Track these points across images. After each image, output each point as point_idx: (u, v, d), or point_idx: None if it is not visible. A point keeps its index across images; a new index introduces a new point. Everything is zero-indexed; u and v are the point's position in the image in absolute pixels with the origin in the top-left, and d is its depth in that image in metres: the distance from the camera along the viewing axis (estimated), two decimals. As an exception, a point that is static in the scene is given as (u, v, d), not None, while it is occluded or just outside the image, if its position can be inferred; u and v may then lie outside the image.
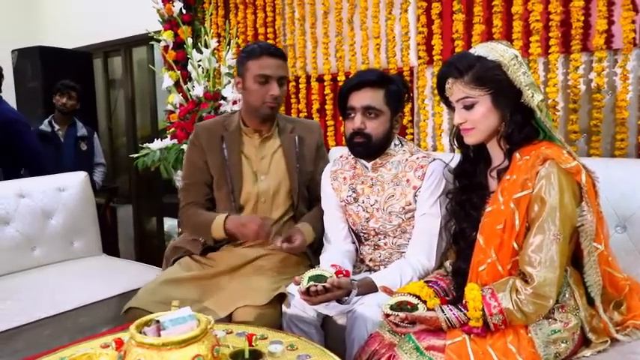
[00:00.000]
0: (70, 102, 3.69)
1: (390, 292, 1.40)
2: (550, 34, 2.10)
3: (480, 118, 1.32)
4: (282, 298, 1.71)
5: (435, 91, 2.43)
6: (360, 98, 1.67)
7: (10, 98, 4.33)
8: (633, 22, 1.93)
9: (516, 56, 1.30)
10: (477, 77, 1.30)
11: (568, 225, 1.24)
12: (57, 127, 3.71)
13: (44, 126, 3.72)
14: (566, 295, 1.29)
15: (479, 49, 1.35)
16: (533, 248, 1.22)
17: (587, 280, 1.28)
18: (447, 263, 1.53)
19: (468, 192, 1.44)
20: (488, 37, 2.27)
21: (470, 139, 1.37)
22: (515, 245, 1.27)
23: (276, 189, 1.94)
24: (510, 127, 1.31)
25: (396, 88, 1.71)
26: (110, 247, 3.23)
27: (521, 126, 1.31)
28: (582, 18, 2.03)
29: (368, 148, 1.69)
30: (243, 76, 1.90)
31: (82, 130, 3.78)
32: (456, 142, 1.47)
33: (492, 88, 1.30)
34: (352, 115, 1.69)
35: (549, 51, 2.11)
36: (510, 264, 1.28)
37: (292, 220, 1.98)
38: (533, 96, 1.28)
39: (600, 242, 1.29)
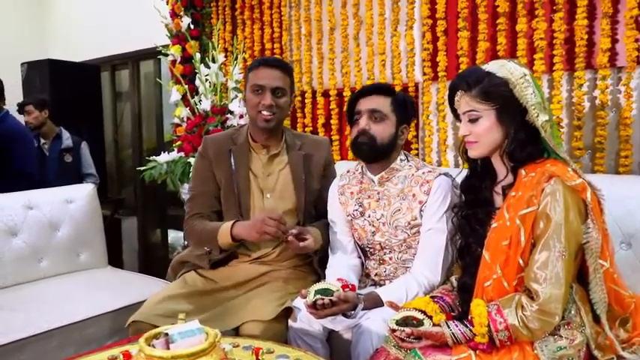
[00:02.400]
0: (31, 117, 3.62)
1: (395, 307, 1.41)
2: (554, 52, 2.13)
3: (484, 132, 1.34)
4: (288, 312, 1.71)
5: (440, 107, 2.48)
6: (367, 102, 1.73)
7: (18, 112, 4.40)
8: (637, 40, 1.96)
9: (525, 75, 1.32)
10: (483, 92, 1.32)
11: (573, 242, 1.24)
12: (43, 141, 3.71)
13: None
14: (572, 312, 1.29)
15: (490, 66, 1.37)
16: (539, 265, 1.23)
17: (593, 297, 1.29)
18: (453, 278, 1.53)
19: (473, 207, 1.45)
20: (492, 54, 2.30)
21: (473, 152, 1.40)
22: (521, 261, 1.28)
23: (283, 207, 1.90)
24: (513, 144, 1.33)
25: (402, 99, 1.76)
26: (114, 258, 3.24)
27: (523, 144, 1.32)
28: (586, 36, 2.06)
29: (372, 149, 1.70)
30: (245, 88, 1.93)
31: (66, 142, 3.73)
32: (463, 156, 1.49)
33: (498, 103, 1.32)
34: (358, 118, 1.74)
35: (553, 68, 2.13)
36: (516, 280, 1.29)
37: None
38: (538, 116, 1.30)
39: (606, 259, 1.30)
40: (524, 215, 1.27)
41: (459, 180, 1.70)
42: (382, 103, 1.72)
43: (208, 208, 1.96)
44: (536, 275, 1.23)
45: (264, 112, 1.84)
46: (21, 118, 3.73)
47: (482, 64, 1.42)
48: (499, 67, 1.34)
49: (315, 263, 1.94)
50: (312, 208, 1.98)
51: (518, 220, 1.27)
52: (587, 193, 1.25)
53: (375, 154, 1.73)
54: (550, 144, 1.32)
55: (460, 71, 1.47)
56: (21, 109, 3.66)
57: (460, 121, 1.41)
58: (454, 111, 1.43)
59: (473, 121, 1.35)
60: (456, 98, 1.39)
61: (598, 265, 1.27)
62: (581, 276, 1.33)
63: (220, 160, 1.94)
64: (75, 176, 3.61)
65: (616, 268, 1.34)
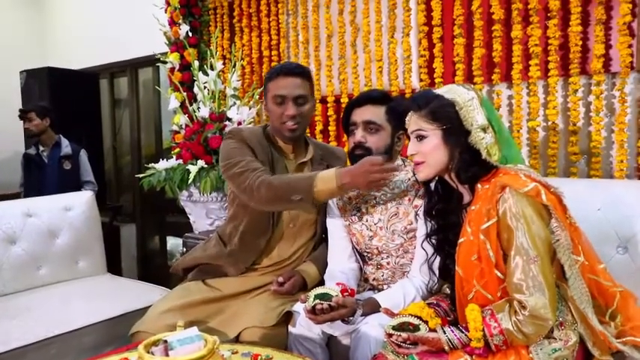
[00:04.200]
0: (32, 124, 3.61)
1: (391, 314, 1.42)
2: (549, 58, 2.14)
3: (430, 151, 1.37)
4: (288, 317, 1.72)
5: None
6: (362, 113, 1.74)
7: (18, 119, 4.40)
8: (630, 46, 1.98)
9: (473, 98, 1.35)
10: (431, 112, 1.37)
11: (543, 245, 1.25)
12: (42, 148, 3.70)
13: (31, 149, 3.73)
14: (564, 311, 1.30)
15: (441, 89, 1.43)
16: (518, 275, 1.24)
17: (574, 294, 1.29)
18: (446, 287, 1.54)
19: (443, 231, 1.47)
20: (488, 60, 2.33)
21: (420, 175, 1.42)
22: (499, 274, 1.29)
23: (305, 217, 1.90)
24: (457, 164, 1.36)
25: (397, 106, 1.74)
26: (113, 265, 3.24)
27: (467, 165, 1.35)
28: (580, 42, 2.08)
29: None
30: (265, 98, 1.88)
31: (66, 149, 3.71)
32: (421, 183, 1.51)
33: (444, 124, 1.35)
34: (354, 130, 1.75)
35: (549, 74, 2.15)
36: (500, 292, 1.30)
37: (313, 248, 1.97)
38: (483, 138, 1.32)
39: (579, 254, 1.31)
40: (487, 229, 1.28)
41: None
42: (376, 113, 1.72)
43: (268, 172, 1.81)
44: (517, 286, 1.24)
45: (289, 123, 1.81)
46: (21, 125, 3.75)
47: (436, 89, 1.47)
48: (448, 91, 1.40)
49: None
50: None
51: (482, 235, 1.29)
52: (542, 195, 1.26)
53: None
54: (494, 164, 1.33)
55: (413, 94, 1.51)
56: (23, 115, 3.67)
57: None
58: (406, 131, 1.46)
59: (420, 141, 1.39)
60: (407, 119, 1.43)
61: (572, 260, 1.28)
62: (565, 274, 1.34)
63: (259, 151, 1.86)
64: (74, 184, 3.61)
65: (596, 259, 1.35)
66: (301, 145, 1.95)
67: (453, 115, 1.35)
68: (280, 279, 1.81)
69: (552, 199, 1.28)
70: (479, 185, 1.35)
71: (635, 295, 1.38)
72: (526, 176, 1.30)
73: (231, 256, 1.90)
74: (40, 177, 3.64)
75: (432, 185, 1.50)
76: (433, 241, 1.50)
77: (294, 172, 1.90)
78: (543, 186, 1.29)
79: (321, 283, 1.87)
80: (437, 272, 1.53)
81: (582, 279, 1.29)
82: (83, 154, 3.81)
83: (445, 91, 1.40)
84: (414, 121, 1.40)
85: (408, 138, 1.45)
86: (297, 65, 1.88)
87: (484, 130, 1.33)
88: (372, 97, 1.75)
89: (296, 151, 1.93)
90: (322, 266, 1.90)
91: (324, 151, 2.03)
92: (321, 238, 2.00)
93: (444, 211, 1.47)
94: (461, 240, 1.36)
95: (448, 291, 1.51)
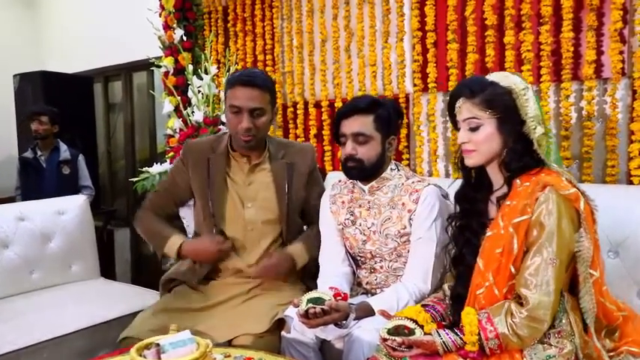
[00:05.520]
0: (42, 127, 3.62)
1: (387, 316, 1.42)
2: (541, 64, 2.16)
3: (483, 140, 1.35)
4: (280, 323, 1.72)
5: (431, 118, 2.50)
6: (350, 125, 1.72)
7: (11, 122, 4.39)
8: (621, 52, 1.99)
9: (527, 87, 1.34)
10: (486, 100, 1.34)
11: (565, 250, 1.25)
12: (39, 152, 3.69)
13: (27, 153, 3.72)
14: (563, 321, 1.30)
15: (493, 76, 1.39)
16: (530, 271, 1.25)
17: (583, 307, 1.29)
18: (446, 287, 1.54)
19: (468, 217, 1.45)
20: (481, 65, 2.34)
21: (470, 161, 1.40)
22: (513, 269, 1.29)
23: (265, 217, 1.90)
24: (510, 154, 1.35)
25: (385, 113, 1.74)
26: (107, 270, 3.23)
27: (520, 155, 1.34)
28: (572, 48, 2.10)
29: (361, 172, 1.74)
30: (225, 103, 1.87)
31: (64, 154, 3.73)
32: (458, 165, 1.49)
33: (500, 112, 1.33)
34: (344, 141, 1.75)
35: (541, 80, 2.17)
36: (507, 287, 1.30)
37: (281, 248, 1.95)
38: (535, 128, 1.32)
39: (595, 269, 1.30)
40: (517, 223, 1.28)
41: (447, 190, 1.71)
42: (365, 123, 1.71)
43: (163, 209, 2.01)
44: (527, 281, 1.24)
45: (243, 135, 1.80)
46: (14, 128, 3.73)
47: (486, 75, 1.43)
48: (503, 77, 1.36)
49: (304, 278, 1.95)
50: (297, 217, 1.97)
51: (511, 228, 1.28)
52: (581, 202, 1.27)
53: (365, 175, 1.75)
54: (542, 157, 1.33)
55: (463, 80, 1.47)
56: (34, 115, 3.64)
57: (458, 129, 1.42)
58: (453, 118, 1.43)
59: (473, 129, 1.36)
60: (457, 105, 1.39)
61: (588, 274, 1.28)
62: (572, 286, 1.34)
63: (198, 167, 1.92)
64: (72, 188, 3.60)
65: (604, 280, 1.35)
66: (258, 149, 1.93)
67: (509, 104, 1.32)
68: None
69: (587, 209, 1.28)
70: (518, 181, 1.33)
71: (638, 315, 1.39)
72: (567, 180, 1.30)
73: (189, 268, 1.93)
74: (38, 181, 3.63)
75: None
76: (454, 226, 1.49)
77: (247, 174, 1.91)
78: (582, 194, 1.29)
79: (311, 263, 1.89)
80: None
81: (593, 294, 1.29)
82: (81, 159, 3.83)
83: (500, 78, 1.36)
84: (466, 109, 1.36)
85: (455, 126, 1.42)
86: (257, 75, 1.83)
87: (537, 121, 1.33)
88: (359, 108, 1.72)
89: (249, 155, 1.92)
90: (309, 244, 1.91)
91: (289, 149, 2.00)
92: (296, 232, 1.98)
93: (473, 199, 1.46)
94: (490, 233, 1.35)
95: (447, 291, 1.51)
